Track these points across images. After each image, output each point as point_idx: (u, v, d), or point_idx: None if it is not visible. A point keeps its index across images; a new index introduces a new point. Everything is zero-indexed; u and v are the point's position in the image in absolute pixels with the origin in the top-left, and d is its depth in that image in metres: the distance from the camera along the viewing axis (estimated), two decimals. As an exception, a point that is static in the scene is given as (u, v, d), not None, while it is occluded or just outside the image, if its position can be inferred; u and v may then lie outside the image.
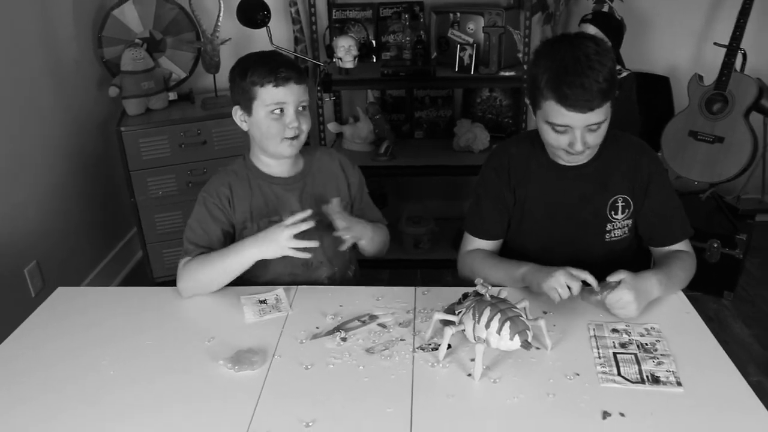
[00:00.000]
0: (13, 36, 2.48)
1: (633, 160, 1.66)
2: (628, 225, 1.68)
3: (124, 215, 3.20)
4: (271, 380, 1.29)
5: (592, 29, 2.74)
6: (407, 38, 3.09)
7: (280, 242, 1.52)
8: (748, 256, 3.27)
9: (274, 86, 1.58)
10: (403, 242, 3.22)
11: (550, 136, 1.56)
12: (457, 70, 2.98)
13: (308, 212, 1.55)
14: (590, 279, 1.45)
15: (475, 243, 1.75)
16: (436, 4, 3.22)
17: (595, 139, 1.54)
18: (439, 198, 3.60)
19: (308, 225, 1.53)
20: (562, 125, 1.51)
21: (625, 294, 1.42)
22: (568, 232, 1.68)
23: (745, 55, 2.92)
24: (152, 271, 2.99)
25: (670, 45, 3.34)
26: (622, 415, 1.18)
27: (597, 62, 1.45)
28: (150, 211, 2.89)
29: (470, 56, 2.93)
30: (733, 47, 2.87)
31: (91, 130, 3.03)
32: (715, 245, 2.92)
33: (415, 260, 3.22)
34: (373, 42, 3.28)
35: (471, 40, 2.99)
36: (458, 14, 3.08)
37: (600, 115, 1.49)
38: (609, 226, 1.66)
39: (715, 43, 3.00)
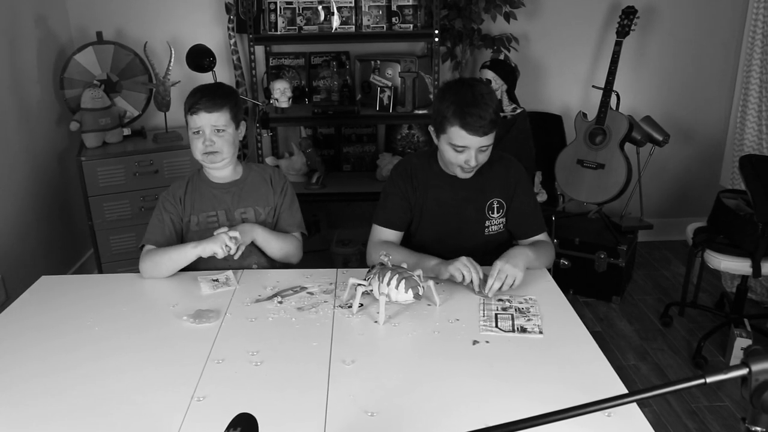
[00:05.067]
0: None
1: (503, 171, 2.10)
2: (502, 222, 2.11)
3: (82, 237, 3.51)
4: (225, 329, 1.67)
5: (490, 74, 3.22)
6: (335, 83, 3.56)
7: (215, 246, 1.91)
8: (635, 268, 3.81)
9: (191, 114, 2.00)
10: (333, 262, 3.60)
11: (450, 155, 1.98)
12: (378, 109, 3.43)
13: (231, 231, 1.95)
14: (477, 278, 1.84)
15: (382, 233, 2.13)
16: (359, 53, 3.70)
17: (484, 158, 1.99)
18: (366, 223, 3.96)
19: (233, 235, 1.93)
20: (462, 146, 1.94)
21: (507, 269, 1.82)
22: (456, 226, 2.10)
23: (618, 96, 3.48)
24: (107, 288, 3.28)
25: (560, 88, 3.90)
26: (487, 342, 1.59)
27: (489, 98, 1.92)
28: (105, 233, 3.20)
29: (389, 97, 3.40)
30: (607, 89, 3.42)
31: (52, 161, 3.36)
32: (602, 256, 3.42)
33: (346, 277, 3.60)
34: (306, 86, 3.72)
35: (390, 84, 3.45)
36: (378, 62, 3.55)
37: (491, 139, 1.94)
38: (487, 223, 2.10)
39: (593, 86, 3.57)
